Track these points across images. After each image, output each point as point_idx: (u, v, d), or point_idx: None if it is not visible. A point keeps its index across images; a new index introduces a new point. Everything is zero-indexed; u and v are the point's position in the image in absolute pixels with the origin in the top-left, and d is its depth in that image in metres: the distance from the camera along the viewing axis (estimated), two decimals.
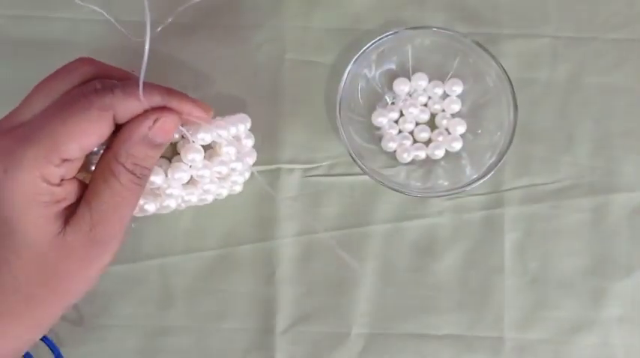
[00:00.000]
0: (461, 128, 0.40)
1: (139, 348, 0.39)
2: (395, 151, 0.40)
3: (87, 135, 0.27)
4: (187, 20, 0.42)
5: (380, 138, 0.41)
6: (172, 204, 0.34)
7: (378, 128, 0.41)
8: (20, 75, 0.41)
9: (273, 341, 0.39)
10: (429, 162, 0.41)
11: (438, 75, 0.41)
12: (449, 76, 0.41)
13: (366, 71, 0.40)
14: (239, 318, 0.39)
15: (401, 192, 0.38)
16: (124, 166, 0.28)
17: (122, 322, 0.39)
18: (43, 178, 0.26)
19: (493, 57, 0.38)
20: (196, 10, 0.42)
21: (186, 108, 0.30)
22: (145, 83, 0.28)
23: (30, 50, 0.41)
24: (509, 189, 0.40)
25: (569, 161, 0.41)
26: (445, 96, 0.41)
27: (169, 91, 0.29)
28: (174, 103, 0.29)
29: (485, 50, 0.38)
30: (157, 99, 0.29)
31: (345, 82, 0.38)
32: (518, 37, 0.42)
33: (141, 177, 0.29)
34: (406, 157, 0.40)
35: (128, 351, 0.39)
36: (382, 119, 0.40)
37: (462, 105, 0.41)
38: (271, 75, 0.41)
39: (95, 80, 0.29)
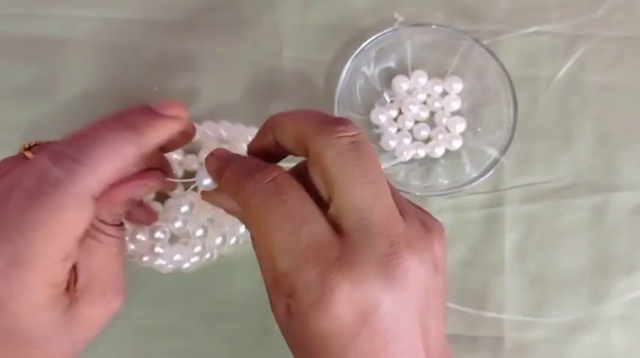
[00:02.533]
0: (460, 126, 0.40)
1: (137, 349, 0.38)
2: (394, 149, 0.40)
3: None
4: (184, 18, 0.42)
5: (379, 137, 0.40)
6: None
7: (377, 126, 0.41)
8: (18, 73, 0.41)
9: (270, 341, 0.38)
10: (428, 161, 0.40)
11: (438, 72, 0.41)
12: (448, 74, 0.40)
13: (364, 69, 0.40)
14: (236, 318, 0.39)
15: (400, 191, 0.38)
16: (103, 221, 0.28)
17: (119, 323, 0.38)
18: (51, 285, 0.26)
19: (493, 54, 0.38)
20: (193, 7, 0.42)
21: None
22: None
23: (27, 48, 0.41)
24: (509, 188, 0.40)
25: (569, 159, 0.40)
26: (444, 93, 0.41)
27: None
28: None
29: (485, 48, 0.38)
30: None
31: (343, 80, 0.38)
32: (518, 35, 0.41)
33: (117, 224, 0.29)
34: (405, 155, 0.40)
35: (125, 352, 0.38)
36: (381, 117, 0.40)
37: (462, 103, 0.40)
38: (269, 72, 0.41)
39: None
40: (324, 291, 0.22)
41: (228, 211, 0.27)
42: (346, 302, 0.22)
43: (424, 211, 0.27)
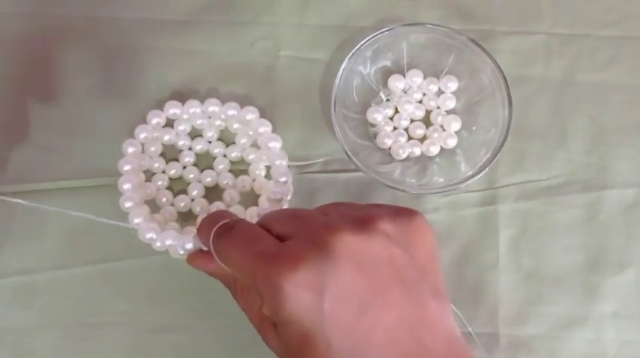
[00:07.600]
0: (456, 125, 0.40)
1: (134, 346, 0.38)
2: (390, 148, 0.40)
3: None
4: (181, 17, 0.42)
5: (375, 135, 0.41)
6: None
7: (373, 125, 0.41)
8: (15, 73, 0.41)
9: None
10: (424, 159, 0.41)
11: (433, 72, 0.41)
12: (444, 73, 0.41)
13: (361, 68, 0.40)
14: (234, 315, 0.39)
15: (396, 189, 0.38)
16: None
17: (117, 319, 0.39)
18: None
19: (488, 54, 0.38)
20: (190, 6, 0.42)
21: None
22: None
23: (26, 48, 0.41)
24: (504, 186, 0.40)
25: (563, 157, 0.41)
26: (440, 93, 0.41)
27: None
28: None
29: (480, 47, 0.38)
30: None
31: (340, 79, 0.38)
32: (513, 34, 0.42)
33: None
34: (401, 154, 0.40)
35: (123, 349, 0.38)
36: (377, 116, 0.40)
37: (457, 102, 0.41)
38: (266, 72, 0.41)
39: None
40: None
41: (212, 273, 0.34)
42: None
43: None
